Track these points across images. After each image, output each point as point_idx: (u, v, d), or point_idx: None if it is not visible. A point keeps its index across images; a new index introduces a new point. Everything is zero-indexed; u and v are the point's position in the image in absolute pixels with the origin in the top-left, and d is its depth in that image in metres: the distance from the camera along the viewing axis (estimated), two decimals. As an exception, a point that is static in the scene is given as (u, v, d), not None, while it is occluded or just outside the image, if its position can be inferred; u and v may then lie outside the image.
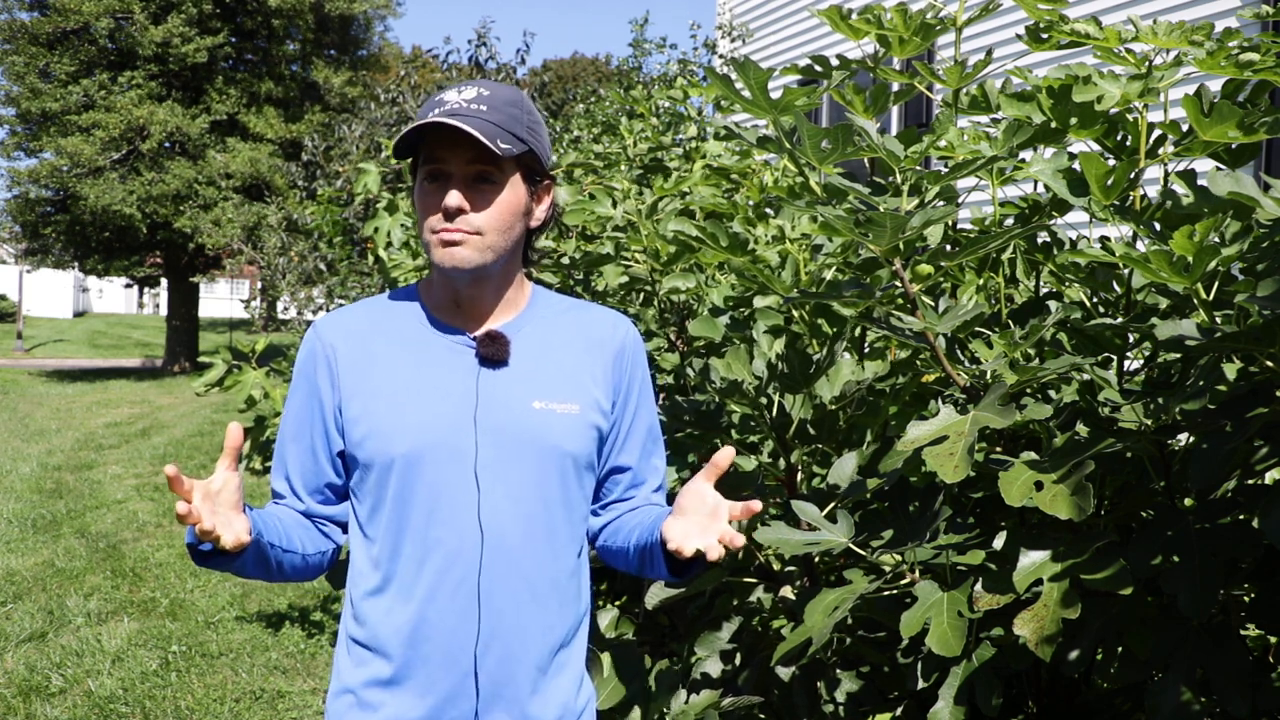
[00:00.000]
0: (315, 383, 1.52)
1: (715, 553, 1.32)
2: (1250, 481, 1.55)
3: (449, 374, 1.50)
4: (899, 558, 1.66)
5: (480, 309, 1.54)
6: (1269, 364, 1.41)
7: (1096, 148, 1.82)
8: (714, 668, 1.97)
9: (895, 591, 1.64)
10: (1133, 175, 1.67)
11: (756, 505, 1.35)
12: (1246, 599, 1.56)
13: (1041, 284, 1.98)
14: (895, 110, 8.48)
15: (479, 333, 1.53)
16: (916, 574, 1.63)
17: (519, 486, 1.48)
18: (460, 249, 1.46)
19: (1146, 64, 1.70)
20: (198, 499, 1.27)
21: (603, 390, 1.56)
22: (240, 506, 1.34)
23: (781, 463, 1.96)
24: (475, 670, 1.46)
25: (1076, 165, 1.73)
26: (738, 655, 1.98)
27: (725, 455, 1.38)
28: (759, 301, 2.22)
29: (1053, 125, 1.76)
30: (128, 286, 23.65)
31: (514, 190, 1.49)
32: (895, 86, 2.00)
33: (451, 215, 1.45)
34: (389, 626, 1.48)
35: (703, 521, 1.38)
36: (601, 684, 1.95)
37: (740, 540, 1.34)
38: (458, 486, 1.46)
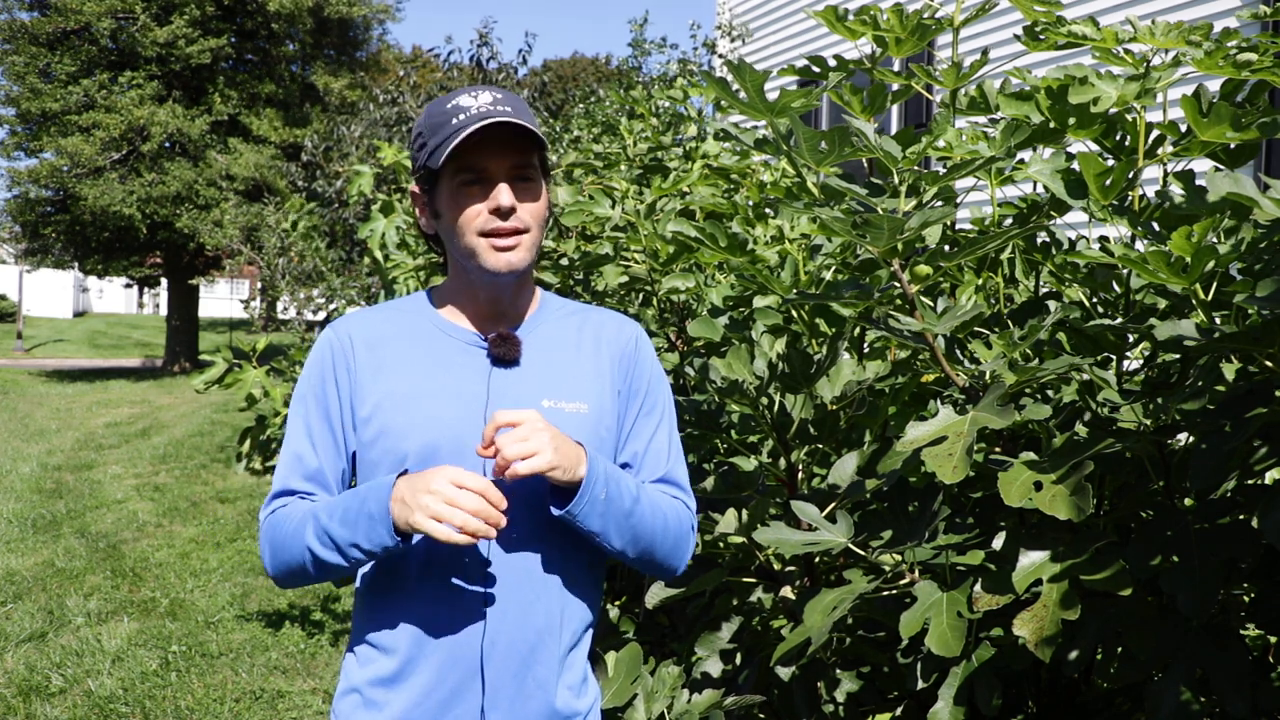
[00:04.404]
0: (334, 380, 1.53)
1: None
2: (1250, 481, 1.55)
3: (461, 374, 1.52)
4: (898, 558, 1.66)
5: (496, 312, 1.56)
6: (1268, 364, 1.41)
7: (1095, 148, 1.82)
8: (714, 668, 1.97)
9: (895, 591, 1.64)
10: (1131, 175, 1.67)
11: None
12: (1246, 599, 1.56)
13: (1041, 284, 1.98)
14: (895, 110, 8.48)
15: (491, 334, 1.55)
16: (916, 574, 1.63)
17: (528, 485, 1.49)
18: (514, 253, 1.50)
19: (1144, 64, 1.70)
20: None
21: (610, 390, 1.57)
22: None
23: (782, 463, 1.96)
24: (481, 668, 1.46)
25: (1075, 165, 1.73)
26: (738, 655, 1.98)
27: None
28: (758, 301, 2.22)
29: (1051, 125, 1.76)
30: (128, 286, 23.68)
31: (542, 187, 1.54)
32: (894, 87, 2.00)
33: (506, 214, 1.47)
34: (395, 625, 1.49)
35: None
36: (605, 684, 1.95)
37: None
38: None
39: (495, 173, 1.48)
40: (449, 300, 1.59)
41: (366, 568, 1.54)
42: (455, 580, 1.46)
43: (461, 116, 1.46)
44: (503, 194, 1.47)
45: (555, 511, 1.43)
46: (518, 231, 1.49)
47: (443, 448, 1.47)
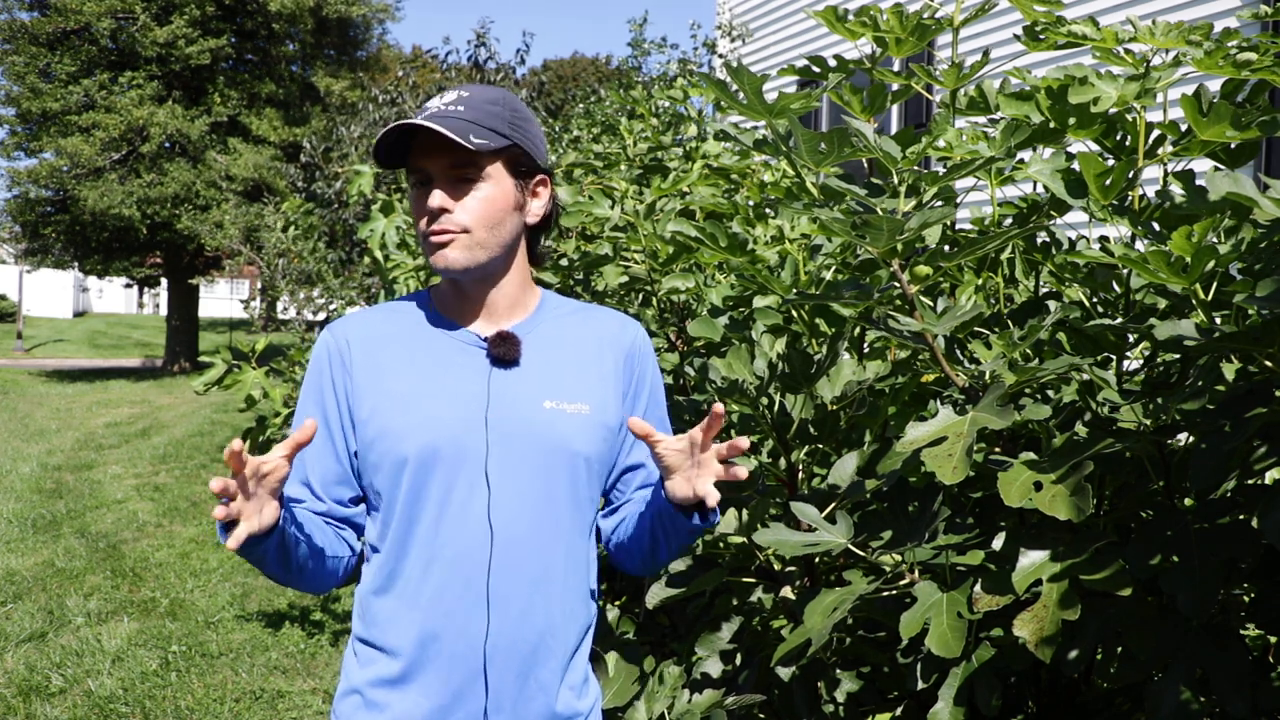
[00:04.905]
0: (331, 383, 1.53)
1: (713, 497, 1.36)
2: (1250, 481, 1.54)
3: (460, 374, 1.51)
4: (898, 558, 1.66)
5: (490, 310, 1.55)
6: (1267, 364, 1.41)
7: (1095, 148, 1.82)
8: (714, 668, 1.96)
9: (895, 592, 1.64)
10: (1131, 175, 1.67)
11: (743, 443, 1.36)
12: (1246, 599, 1.56)
13: (1041, 284, 1.98)
14: (895, 110, 8.49)
15: (490, 333, 1.54)
16: (916, 574, 1.63)
17: (529, 486, 1.49)
18: (449, 250, 1.48)
19: (1144, 64, 1.70)
20: (247, 473, 1.28)
21: (612, 391, 1.57)
22: (278, 494, 1.34)
23: (782, 463, 1.96)
24: (484, 670, 1.46)
25: (1075, 165, 1.73)
26: (738, 655, 1.98)
27: (718, 410, 1.38)
28: (758, 301, 2.22)
29: (1051, 125, 1.76)
30: (128, 286, 23.67)
31: (499, 186, 1.50)
32: (894, 87, 2.00)
33: (435, 215, 1.47)
34: (397, 626, 1.48)
35: (690, 467, 1.42)
36: (606, 684, 1.95)
37: (740, 473, 1.36)
38: (468, 486, 1.47)
39: (433, 173, 1.48)
40: (447, 299, 1.58)
41: (368, 571, 1.54)
42: (456, 581, 1.46)
43: (418, 118, 1.46)
44: (433, 196, 1.46)
45: (699, 522, 1.47)
46: (449, 231, 1.47)
47: (442, 449, 1.46)
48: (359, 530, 1.57)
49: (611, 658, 1.99)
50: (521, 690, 1.48)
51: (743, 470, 1.37)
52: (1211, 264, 1.42)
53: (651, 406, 1.63)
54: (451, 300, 1.57)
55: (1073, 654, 1.49)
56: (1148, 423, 1.55)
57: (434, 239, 1.48)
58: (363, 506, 1.56)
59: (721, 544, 2.02)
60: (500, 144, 1.48)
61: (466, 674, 1.46)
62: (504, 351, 1.52)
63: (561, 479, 1.50)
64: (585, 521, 1.56)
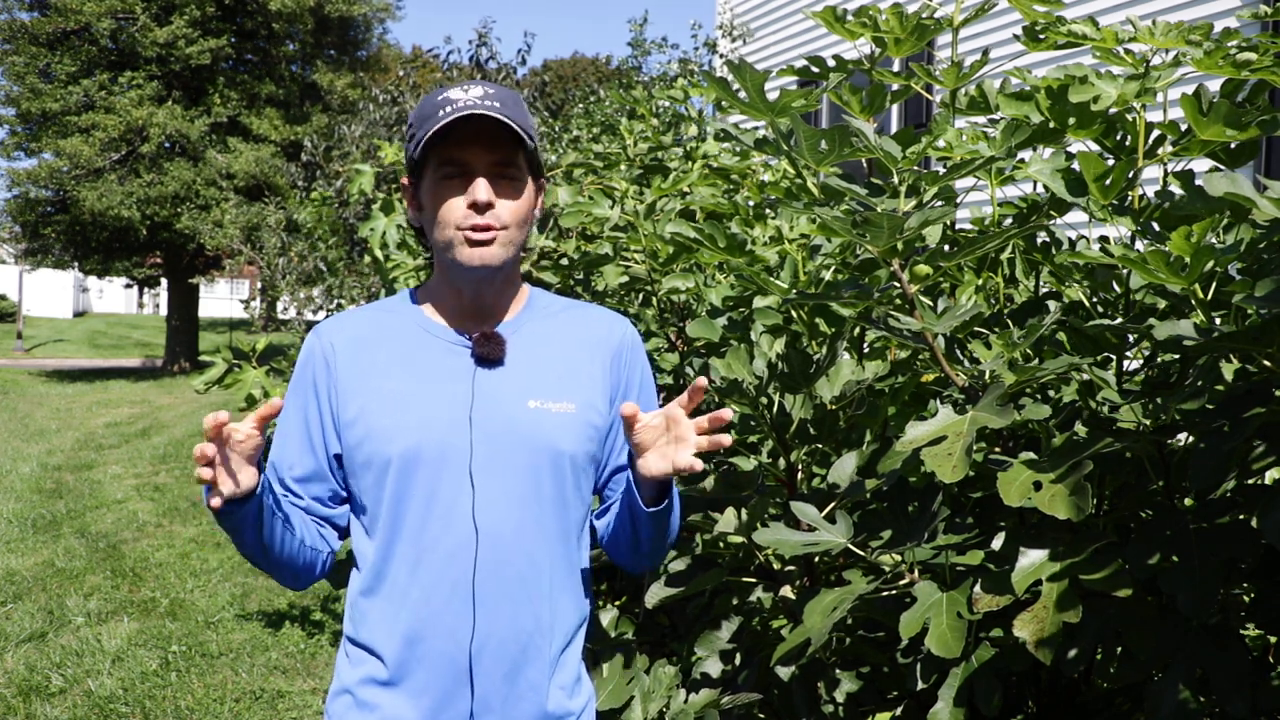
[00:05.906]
0: (315, 384, 1.53)
1: (692, 464, 1.36)
2: (1249, 481, 1.54)
3: (445, 375, 1.51)
4: (898, 558, 1.66)
5: (481, 309, 1.55)
6: (1267, 364, 1.41)
7: (1095, 148, 1.82)
8: (714, 667, 1.96)
9: (895, 592, 1.64)
10: (1131, 175, 1.67)
11: (726, 414, 1.35)
12: (1246, 599, 1.56)
13: (1041, 284, 1.98)
14: (895, 110, 8.49)
15: (475, 333, 1.53)
16: (916, 574, 1.63)
17: (514, 486, 1.48)
18: (489, 248, 1.47)
19: (1144, 64, 1.70)
20: (220, 441, 1.31)
21: (600, 390, 1.56)
22: (254, 461, 1.36)
23: (781, 462, 1.96)
24: (470, 671, 1.46)
25: (1075, 165, 1.73)
26: (737, 655, 1.98)
27: (700, 383, 1.38)
28: (758, 302, 2.22)
29: (1051, 125, 1.76)
30: (128, 287, 23.66)
31: (528, 186, 1.52)
32: (893, 87, 2.00)
33: (483, 209, 1.46)
34: (385, 627, 1.48)
35: (666, 443, 1.42)
36: (601, 684, 1.95)
37: (724, 440, 1.35)
38: (453, 486, 1.46)
39: (475, 167, 1.46)
40: (433, 298, 1.57)
41: (358, 573, 1.54)
42: (443, 582, 1.46)
43: (448, 109, 1.44)
44: (480, 189, 1.45)
45: (652, 509, 1.47)
46: (493, 228, 1.47)
47: (426, 450, 1.46)
48: (339, 530, 1.57)
49: (607, 658, 1.99)
50: (510, 690, 1.47)
51: (726, 438, 1.37)
52: (1210, 264, 1.43)
53: (642, 404, 1.63)
54: (439, 299, 1.56)
55: (1073, 654, 1.49)
56: (1147, 423, 1.55)
57: (474, 236, 1.46)
58: (344, 507, 1.56)
59: (721, 544, 2.02)
60: (533, 145, 1.50)
61: (453, 674, 1.45)
62: (488, 351, 1.51)
63: (547, 478, 1.50)
64: (573, 521, 1.55)
